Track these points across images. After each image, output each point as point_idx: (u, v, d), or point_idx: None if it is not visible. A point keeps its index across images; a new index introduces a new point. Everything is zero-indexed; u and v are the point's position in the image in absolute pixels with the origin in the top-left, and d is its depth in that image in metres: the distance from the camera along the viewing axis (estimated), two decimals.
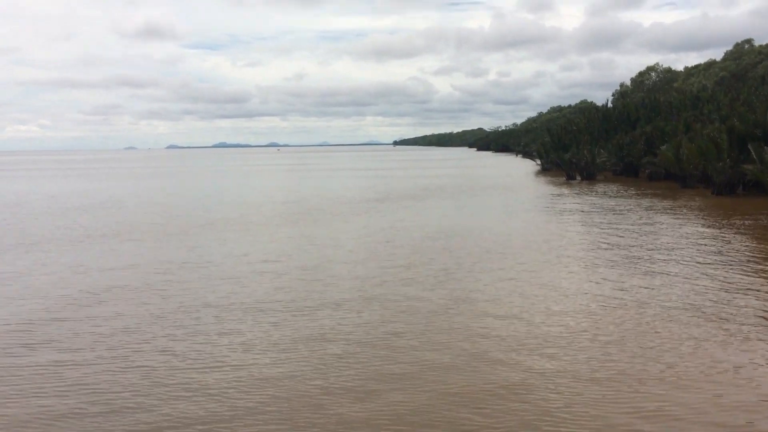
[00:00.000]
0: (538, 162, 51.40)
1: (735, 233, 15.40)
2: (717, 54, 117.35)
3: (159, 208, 25.13)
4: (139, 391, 6.47)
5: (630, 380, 6.46)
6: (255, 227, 18.89)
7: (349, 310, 9.35)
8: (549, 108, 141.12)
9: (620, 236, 15.51)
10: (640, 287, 10.26)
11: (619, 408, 5.84)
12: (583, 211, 21.03)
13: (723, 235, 15.23)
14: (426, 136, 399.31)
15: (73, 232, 18.47)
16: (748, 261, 12.11)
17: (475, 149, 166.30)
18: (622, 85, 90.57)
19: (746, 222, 17.26)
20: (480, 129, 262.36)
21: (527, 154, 72.24)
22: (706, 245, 13.89)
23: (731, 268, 11.44)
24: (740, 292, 9.78)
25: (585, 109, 74.83)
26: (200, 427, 5.66)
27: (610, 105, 56.81)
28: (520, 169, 54.58)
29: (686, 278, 10.78)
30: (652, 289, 10.14)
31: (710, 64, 71.97)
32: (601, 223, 18.08)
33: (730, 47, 70.73)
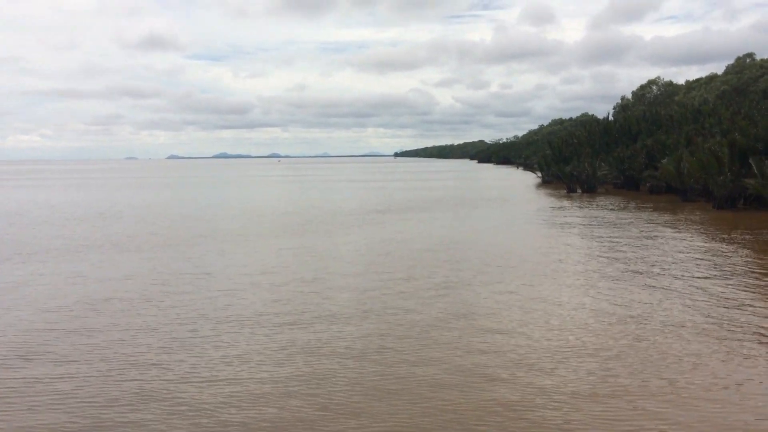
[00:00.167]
0: (539, 174, 51.42)
1: (736, 248, 15.33)
2: (718, 68, 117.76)
3: (158, 219, 25.09)
4: (133, 406, 6.39)
5: (630, 397, 6.37)
6: (254, 238, 18.83)
7: (347, 323, 9.27)
8: (550, 120, 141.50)
9: (620, 250, 15.44)
10: (640, 302, 10.18)
11: (619, 426, 5.75)
12: (583, 225, 20.96)
13: (723, 249, 15.16)
14: (427, 147, 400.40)
15: (71, 242, 18.42)
16: (749, 276, 12.03)
17: (476, 161, 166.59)
18: (623, 98, 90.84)
19: (747, 237, 17.19)
20: (481, 141, 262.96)
21: (528, 167, 72.22)
22: (706, 260, 13.82)
23: (732, 283, 11.35)
24: (741, 307, 9.69)
25: (586, 122, 74.95)
26: None
27: (611, 118, 56.90)
28: (520, 181, 54.57)
29: (686, 293, 10.70)
30: (652, 303, 10.06)
31: (711, 78, 72.17)
32: (601, 236, 18.01)
33: (731, 61, 70.97)
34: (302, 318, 9.56)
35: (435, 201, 32.96)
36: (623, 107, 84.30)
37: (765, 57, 64.99)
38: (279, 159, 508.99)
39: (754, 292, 10.64)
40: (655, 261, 13.79)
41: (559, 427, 5.74)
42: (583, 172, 37.68)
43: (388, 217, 24.82)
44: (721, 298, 10.30)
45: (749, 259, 13.77)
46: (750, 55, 69.18)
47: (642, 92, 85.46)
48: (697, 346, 7.86)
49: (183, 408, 6.29)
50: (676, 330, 8.58)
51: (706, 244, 15.98)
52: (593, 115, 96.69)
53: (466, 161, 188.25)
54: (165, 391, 6.72)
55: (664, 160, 31.27)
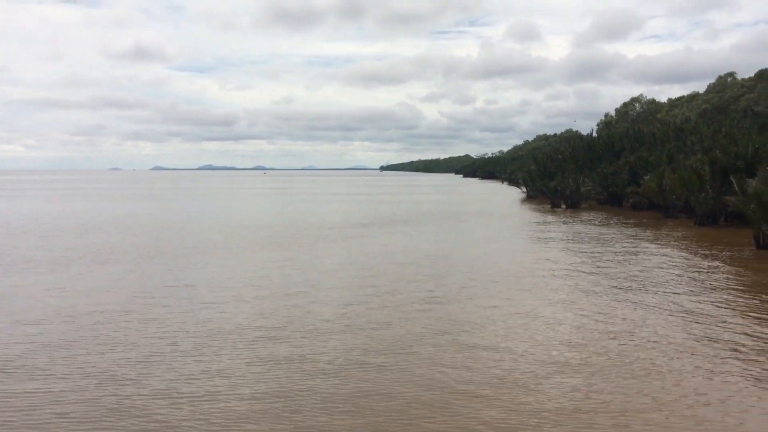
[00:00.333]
0: (524, 189, 51.75)
1: (717, 264, 15.47)
2: (700, 86, 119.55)
3: (141, 231, 24.85)
4: (110, 422, 6.26)
5: (613, 413, 6.36)
6: (238, 251, 18.70)
7: (330, 337, 9.19)
8: (535, 136, 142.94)
9: (603, 266, 15.52)
10: (623, 318, 10.21)
11: None
12: (567, 240, 21.07)
13: (705, 266, 15.29)
14: (413, 161, 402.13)
15: (52, 253, 18.16)
16: (731, 292, 12.12)
17: (462, 176, 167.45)
18: (606, 115, 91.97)
19: (728, 253, 17.36)
20: (467, 156, 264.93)
21: (513, 182, 72.72)
22: (688, 276, 13.92)
23: (713, 300, 11.43)
24: (723, 324, 9.75)
25: (570, 138, 75.78)
26: None
27: (594, 135, 57.52)
28: (505, 196, 54.85)
29: (668, 309, 10.76)
30: (635, 319, 10.10)
31: (693, 96, 73.32)
32: (584, 251, 18.10)
33: (712, 80, 72.23)
34: (284, 332, 9.47)
35: (420, 215, 33.00)
36: (607, 124, 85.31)
37: (745, 76, 66.19)
38: (265, 171, 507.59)
39: (735, 309, 10.72)
40: (638, 277, 13.87)
41: None
42: (567, 188, 37.97)
43: (373, 230, 24.79)
44: (702, 314, 10.37)
45: (730, 276, 13.90)
46: (731, 74, 70.44)
47: (625, 110, 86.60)
48: (680, 363, 7.89)
49: (159, 425, 6.18)
50: (658, 346, 8.60)
51: (687, 261, 16.11)
52: (577, 131, 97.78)
53: (452, 176, 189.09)
54: (142, 407, 6.60)
55: (647, 177, 31.59)
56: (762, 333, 9.18)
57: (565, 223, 27.57)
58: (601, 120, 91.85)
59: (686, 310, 10.62)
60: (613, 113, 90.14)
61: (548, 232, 23.89)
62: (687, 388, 7.02)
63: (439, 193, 65.36)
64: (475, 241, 21.50)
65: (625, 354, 8.27)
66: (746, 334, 9.16)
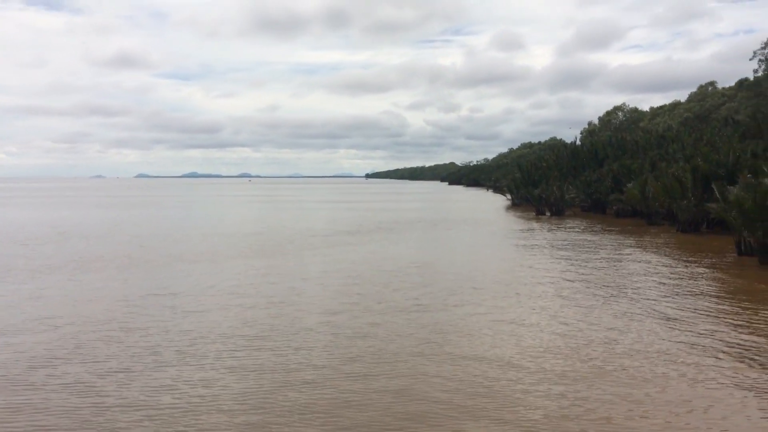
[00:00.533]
0: (509, 197, 51.97)
1: (700, 271, 15.61)
2: (681, 95, 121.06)
3: (124, 239, 24.60)
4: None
5: (599, 420, 6.37)
6: (223, 259, 18.56)
7: (315, 347, 9.12)
8: (519, 144, 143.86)
9: (588, 273, 15.60)
10: (608, 325, 10.25)
11: None
12: (552, 247, 21.17)
13: (688, 272, 15.42)
14: (398, 169, 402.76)
15: (33, 261, 17.91)
16: (714, 299, 12.23)
17: (447, 183, 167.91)
18: (590, 123, 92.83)
19: (710, 260, 17.54)
20: (452, 163, 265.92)
21: (498, 189, 72.90)
22: (671, 283, 14.03)
23: (697, 306, 11.53)
24: (706, 330, 9.83)
25: (554, 146, 76.36)
26: None
27: (578, 143, 58.00)
28: (491, 203, 55.07)
29: (652, 316, 10.82)
30: (619, 326, 10.14)
31: (675, 105, 74.29)
32: (569, 258, 18.19)
33: (693, 89, 73.28)
34: (268, 341, 9.39)
35: (406, 222, 33.00)
36: (590, 132, 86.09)
37: (726, 86, 67.20)
38: (250, 179, 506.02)
39: (718, 316, 10.81)
40: (622, 284, 13.96)
41: None
42: (552, 195, 38.20)
43: (359, 238, 24.74)
44: (686, 321, 10.44)
45: (712, 282, 14.03)
46: (712, 83, 71.50)
47: (608, 118, 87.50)
48: (664, 370, 7.92)
49: None
50: (642, 353, 8.64)
51: (670, 267, 16.25)
52: (561, 139, 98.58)
53: (437, 183, 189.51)
54: (123, 418, 6.50)
55: (630, 185, 31.88)
56: (745, 340, 9.26)
57: (549, 230, 27.71)
58: (584, 128, 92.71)
59: (670, 317, 10.69)
60: (596, 121, 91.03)
61: (533, 239, 24.00)
62: (671, 395, 7.05)
63: (425, 200, 65.47)
64: (461, 248, 21.53)
65: (610, 361, 8.30)
66: (729, 340, 9.24)
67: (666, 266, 16.48)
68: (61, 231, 27.57)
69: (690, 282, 14.04)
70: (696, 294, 12.67)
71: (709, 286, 13.61)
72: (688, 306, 11.53)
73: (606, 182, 37.08)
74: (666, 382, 7.47)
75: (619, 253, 19.18)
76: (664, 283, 13.91)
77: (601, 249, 20.33)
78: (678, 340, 9.22)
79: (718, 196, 19.61)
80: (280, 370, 8.00)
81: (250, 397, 7.05)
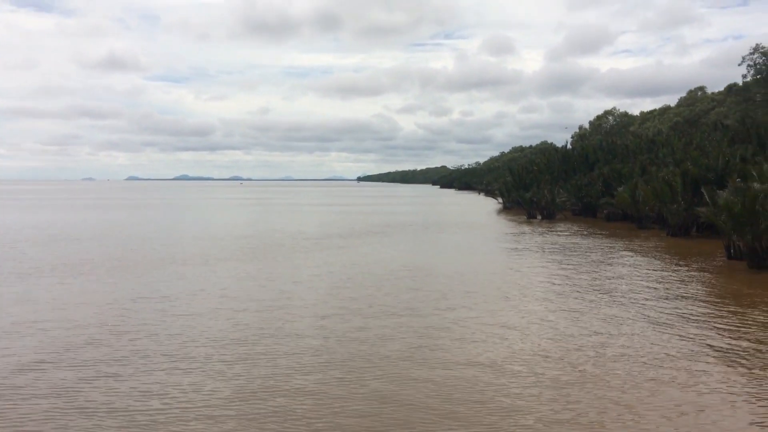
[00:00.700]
0: (500, 200, 52.08)
1: (689, 275, 15.68)
2: (671, 100, 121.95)
3: (115, 242, 24.44)
4: None
5: (590, 423, 6.36)
6: (214, 262, 18.46)
7: (305, 352, 9.08)
8: (511, 148, 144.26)
9: (578, 276, 15.63)
10: (599, 328, 10.27)
11: None
12: (543, 250, 21.21)
13: (678, 276, 15.49)
14: (390, 172, 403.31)
15: (22, 264, 17.75)
16: (703, 303, 12.28)
17: (439, 186, 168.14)
18: (580, 127, 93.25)
19: (700, 264, 17.63)
20: (443, 167, 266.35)
21: (489, 193, 73.25)
22: (661, 286, 14.08)
23: (687, 310, 11.57)
24: (697, 334, 9.86)
25: (545, 149, 76.59)
26: None
27: (569, 147, 58.23)
28: (482, 207, 55.16)
29: (642, 320, 10.85)
30: (610, 330, 10.16)
31: (665, 110, 74.74)
32: (560, 262, 18.23)
33: (683, 94, 73.75)
34: (258, 347, 9.33)
35: (398, 225, 32.98)
36: (581, 136, 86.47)
37: (715, 90, 67.70)
38: (241, 182, 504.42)
39: (708, 319, 10.85)
40: (613, 287, 13.99)
41: None
42: (543, 199, 38.32)
43: (350, 241, 24.69)
44: (676, 325, 10.47)
45: (703, 286, 14.09)
46: (701, 88, 71.99)
47: (599, 122, 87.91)
48: (655, 373, 7.94)
49: None
50: (633, 357, 8.65)
51: (661, 271, 16.31)
52: (552, 143, 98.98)
53: (429, 186, 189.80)
54: (111, 418, 6.43)
55: (620, 188, 32.03)
56: (734, 344, 9.30)
57: (540, 234, 27.78)
58: (575, 132, 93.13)
59: (659, 321, 10.72)
60: (587, 126, 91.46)
61: (525, 242, 24.04)
62: (663, 399, 7.05)
63: (416, 203, 65.49)
64: (453, 252, 21.53)
65: (601, 365, 8.30)
66: (719, 344, 9.27)
67: (656, 270, 16.54)
68: (50, 233, 27.35)
69: (680, 286, 14.09)
70: (686, 298, 12.72)
71: (699, 289, 13.67)
72: (678, 310, 11.57)
73: (596, 186, 37.24)
74: (657, 386, 7.48)
75: (609, 257, 19.24)
76: (654, 287, 13.95)
77: (592, 253, 20.39)
78: (668, 345, 9.25)
79: (707, 200, 19.72)
80: (270, 375, 7.95)
81: (239, 403, 7.00)
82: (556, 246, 22.53)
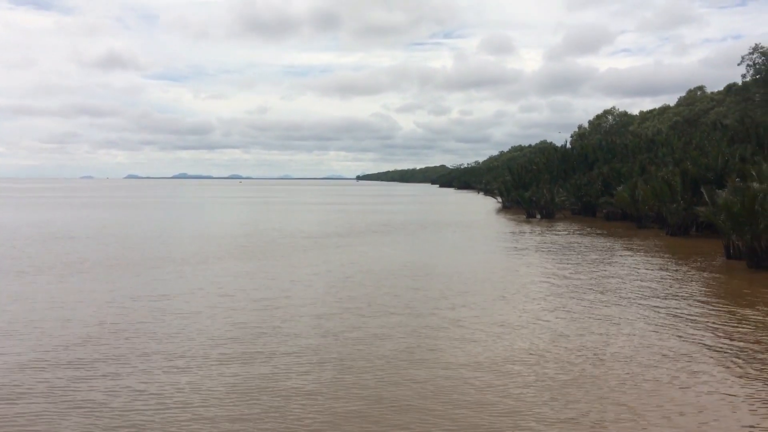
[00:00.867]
0: (499, 200, 52.07)
1: (689, 275, 15.67)
2: (670, 100, 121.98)
3: (114, 240, 24.39)
4: None
5: (590, 422, 6.34)
6: (213, 261, 18.43)
7: (304, 352, 9.04)
8: (510, 147, 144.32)
9: (577, 276, 15.61)
10: (598, 328, 10.25)
11: None
12: (542, 250, 21.19)
13: (678, 276, 15.47)
14: (389, 171, 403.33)
15: (19, 262, 17.71)
16: (703, 302, 12.26)
17: (438, 186, 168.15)
18: (580, 127, 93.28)
19: (699, 263, 17.61)
20: (442, 166, 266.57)
21: (488, 192, 73.21)
22: (661, 286, 14.06)
23: (686, 310, 11.55)
24: (696, 334, 9.84)
25: (544, 149, 76.55)
26: None
27: (568, 146, 58.21)
28: (481, 206, 55.15)
29: (642, 319, 10.83)
30: (610, 329, 10.13)
31: (664, 109, 74.75)
32: (560, 261, 18.21)
33: (682, 93, 73.79)
34: (256, 346, 9.30)
35: (397, 224, 32.95)
36: (580, 136, 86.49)
37: (714, 90, 67.70)
38: (240, 180, 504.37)
39: (708, 319, 10.83)
40: (612, 287, 13.97)
41: None
42: (542, 198, 38.30)
43: (349, 240, 24.66)
44: (675, 324, 10.45)
45: (702, 286, 14.07)
46: (700, 87, 72.01)
47: (598, 122, 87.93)
48: (655, 373, 7.91)
49: None
50: (633, 356, 8.63)
51: (660, 271, 16.29)
52: (551, 143, 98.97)
53: (428, 185, 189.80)
54: (109, 421, 6.40)
55: (620, 188, 32.01)
56: (734, 344, 9.28)
57: (540, 233, 27.76)
58: (574, 131, 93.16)
59: (659, 321, 10.70)
60: (586, 125, 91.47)
61: (524, 242, 24.02)
62: (663, 399, 7.03)
63: (416, 202, 65.47)
64: (453, 250, 21.50)
65: (601, 364, 8.28)
66: (719, 345, 9.25)
67: (655, 269, 16.53)
68: (49, 232, 27.30)
69: (679, 285, 14.07)
70: (685, 298, 12.70)
71: (698, 289, 13.65)
72: (677, 310, 11.55)
73: (596, 185, 37.23)
74: (656, 386, 7.45)
75: (608, 257, 19.22)
76: (654, 287, 13.93)
77: (591, 252, 20.37)
78: (667, 345, 9.22)
79: (707, 199, 19.71)
80: (267, 375, 7.91)
81: (236, 403, 6.96)
82: (556, 245, 22.51)
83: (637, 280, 14.88)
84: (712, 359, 8.46)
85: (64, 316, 11.06)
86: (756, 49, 55.66)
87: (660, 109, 76.76)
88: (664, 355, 8.64)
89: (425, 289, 13.82)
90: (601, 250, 20.78)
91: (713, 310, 11.55)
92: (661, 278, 15.07)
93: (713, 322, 10.54)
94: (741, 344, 9.18)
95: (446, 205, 59.08)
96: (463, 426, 6.31)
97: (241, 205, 59.80)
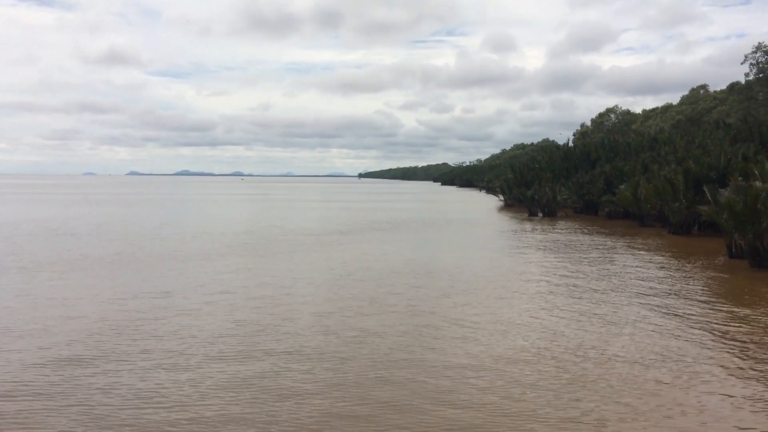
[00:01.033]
0: (501, 198, 52.02)
1: (691, 274, 15.63)
2: (673, 98, 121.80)
3: (115, 237, 24.40)
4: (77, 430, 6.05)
5: (592, 422, 6.32)
6: (214, 258, 18.43)
7: (304, 351, 9.03)
8: (512, 145, 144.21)
9: (579, 274, 15.58)
10: (600, 327, 10.22)
11: None
12: (544, 248, 21.16)
13: (680, 275, 15.44)
14: (391, 169, 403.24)
15: (21, 258, 17.72)
16: (705, 302, 12.23)
17: (440, 183, 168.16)
18: (582, 125, 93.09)
19: (702, 262, 17.57)
20: (444, 164, 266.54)
21: (491, 190, 73.13)
22: (663, 285, 14.03)
23: (689, 309, 11.52)
24: (698, 333, 9.81)
25: (547, 147, 76.46)
26: None
27: (571, 144, 58.11)
28: (483, 204, 55.09)
29: (645, 318, 10.80)
30: (612, 329, 10.11)
31: (667, 108, 74.57)
32: (561, 260, 18.18)
33: (685, 92, 73.61)
34: (258, 345, 9.29)
35: (399, 222, 32.94)
36: (582, 134, 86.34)
37: (717, 89, 67.53)
38: (242, 177, 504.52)
39: (710, 318, 10.80)
40: (614, 286, 13.94)
41: None
42: (544, 197, 38.26)
43: (351, 237, 24.65)
44: (677, 324, 10.42)
45: (704, 285, 14.03)
46: (703, 86, 71.85)
47: (600, 120, 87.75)
48: (657, 373, 7.89)
49: None
50: (635, 356, 8.61)
51: (662, 270, 16.26)
52: (554, 141, 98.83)
53: (430, 183, 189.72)
54: (110, 417, 6.39)
55: (622, 186, 31.95)
56: (736, 343, 9.25)
57: (542, 231, 27.72)
58: (577, 130, 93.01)
59: (661, 320, 10.67)
60: (588, 123, 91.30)
61: (526, 240, 23.99)
62: (665, 398, 7.01)
63: (418, 200, 65.43)
64: (455, 248, 21.48)
65: (603, 363, 8.26)
66: (721, 344, 9.22)
67: (657, 268, 16.49)
68: (50, 228, 27.32)
69: (681, 284, 14.04)
70: (687, 297, 12.66)
71: (700, 288, 13.61)
72: (679, 309, 11.52)
73: (598, 184, 37.17)
74: (659, 385, 7.43)
75: (610, 255, 19.19)
76: (656, 286, 13.90)
77: (593, 251, 20.33)
78: (670, 343, 9.20)
79: (709, 198, 19.66)
80: (269, 374, 7.90)
81: (237, 402, 6.96)
82: (557, 244, 22.48)
83: (639, 279, 14.85)
84: (713, 359, 8.44)
85: (65, 312, 11.06)
86: (759, 47, 55.45)
87: (663, 107, 76.59)
88: (665, 355, 8.61)
89: (426, 287, 13.80)
90: (602, 249, 20.75)
91: (715, 309, 11.52)
92: (663, 277, 15.03)
93: (715, 322, 10.51)
94: (743, 344, 9.16)
95: (448, 203, 59.05)
96: (464, 426, 6.29)
97: (243, 202, 59.82)
